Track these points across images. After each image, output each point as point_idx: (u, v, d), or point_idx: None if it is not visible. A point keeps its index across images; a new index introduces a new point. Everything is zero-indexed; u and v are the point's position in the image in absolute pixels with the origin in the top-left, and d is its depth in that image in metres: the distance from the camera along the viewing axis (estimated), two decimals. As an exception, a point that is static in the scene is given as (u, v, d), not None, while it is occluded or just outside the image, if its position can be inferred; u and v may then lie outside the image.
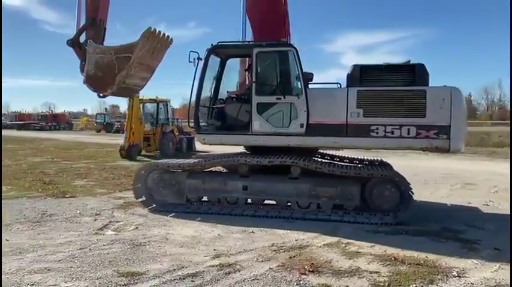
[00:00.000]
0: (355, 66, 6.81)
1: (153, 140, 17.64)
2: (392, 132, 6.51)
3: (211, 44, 7.28)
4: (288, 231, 5.96)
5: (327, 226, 6.24)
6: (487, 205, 8.22)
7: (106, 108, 71.10)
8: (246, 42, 7.97)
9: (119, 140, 19.97)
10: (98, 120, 50.48)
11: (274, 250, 5.07)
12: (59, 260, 4.60)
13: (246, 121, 7.08)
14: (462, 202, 8.38)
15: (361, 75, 6.74)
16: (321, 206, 6.75)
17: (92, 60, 7.11)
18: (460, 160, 18.14)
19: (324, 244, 5.33)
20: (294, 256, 4.84)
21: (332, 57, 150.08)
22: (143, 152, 17.14)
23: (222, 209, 6.96)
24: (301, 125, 6.78)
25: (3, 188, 9.24)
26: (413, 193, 6.69)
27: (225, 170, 8.10)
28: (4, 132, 45.13)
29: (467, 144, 25.40)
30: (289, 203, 6.89)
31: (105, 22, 7.66)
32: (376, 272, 4.36)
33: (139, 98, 16.79)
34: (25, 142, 26.43)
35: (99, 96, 7.46)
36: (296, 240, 5.50)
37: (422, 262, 4.67)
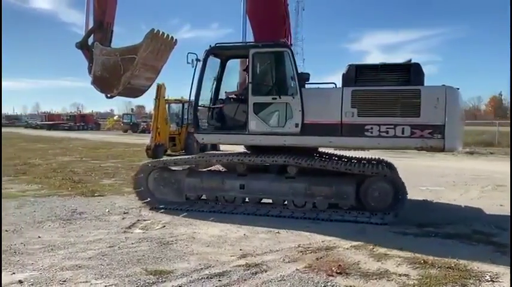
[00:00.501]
0: (350, 66, 6.83)
1: (179, 139, 17.84)
2: (387, 132, 6.52)
3: (210, 46, 7.38)
4: (314, 232, 5.92)
5: (354, 228, 6.17)
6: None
7: (132, 109, 72.45)
8: (243, 43, 7.99)
9: (145, 140, 20.28)
10: (124, 121, 51.41)
11: (301, 251, 5.04)
12: (89, 258, 4.70)
13: (243, 121, 7.16)
14: (494, 204, 8.12)
15: (356, 75, 6.77)
16: (316, 205, 6.80)
17: (99, 62, 7.32)
18: (490, 161, 17.68)
19: (351, 246, 5.27)
20: (321, 257, 4.80)
21: (357, 56, 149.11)
22: (169, 152, 17.35)
23: (222, 208, 7.08)
24: (296, 125, 6.85)
25: (35, 186, 9.52)
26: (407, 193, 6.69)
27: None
28: (34, 132, 46.55)
29: (498, 145, 24.80)
30: (285, 202, 7.01)
31: (112, 25, 7.81)
32: (406, 275, 4.28)
33: (165, 98, 17.02)
34: (54, 142, 27.15)
35: (107, 97, 7.62)
36: (322, 241, 5.45)
37: (453, 265, 4.55)
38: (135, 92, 7.71)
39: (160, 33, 7.05)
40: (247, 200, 7.18)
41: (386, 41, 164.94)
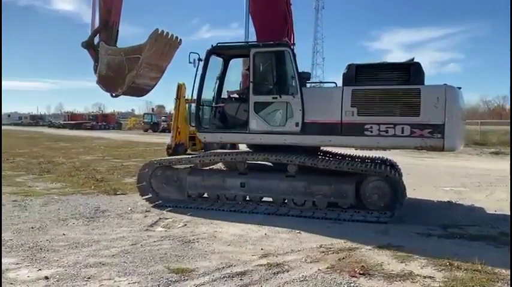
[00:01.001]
0: (350, 65, 6.82)
1: (198, 139, 17.90)
2: (387, 131, 6.51)
3: (211, 45, 7.42)
4: (336, 232, 5.87)
5: (376, 228, 6.09)
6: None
7: (153, 109, 73.32)
8: (245, 43, 7.97)
9: (166, 139, 20.45)
10: (145, 120, 52.00)
11: (323, 251, 5.00)
12: (113, 255, 4.75)
13: (244, 120, 7.20)
14: (521, 206, 7.91)
15: (356, 74, 6.76)
16: (316, 204, 6.83)
17: (104, 61, 7.38)
18: (516, 161, 17.19)
19: (373, 247, 5.19)
20: (343, 258, 4.75)
21: (378, 55, 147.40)
22: (189, 151, 17.45)
23: (222, 206, 7.18)
24: (297, 124, 6.88)
25: (59, 184, 9.71)
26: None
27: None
28: (58, 131, 47.52)
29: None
30: (285, 201, 7.06)
31: (118, 24, 7.83)
32: (430, 277, 4.19)
33: (186, 98, 17.13)
34: (77, 141, 27.64)
35: (112, 96, 7.67)
36: (344, 242, 5.39)
37: (479, 268, 4.43)
38: (140, 91, 7.75)
39: (165, 33, 7.08)
40: (247, 198, 7.25)
41: (407, 39, 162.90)
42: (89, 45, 7.70)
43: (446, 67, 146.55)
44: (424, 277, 4.20)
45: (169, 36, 7.17)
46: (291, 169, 6.95)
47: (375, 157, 8.25)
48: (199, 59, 7.34)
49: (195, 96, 7.51)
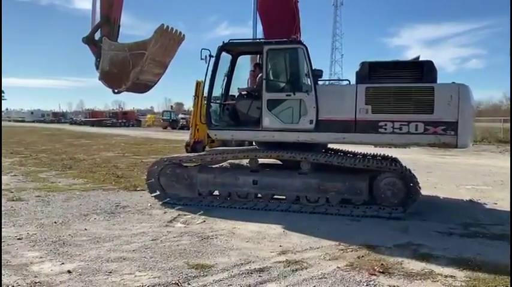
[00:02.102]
0: (363, 63, 6.86)
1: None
2: (401, 129, 6.57)
3: (223, 42, 7.38)
4: (354, 230, 5.84)
5: (396, 226, 6.03)
6: None
7: (172, 106, 73.94)
8: (258, 40, 7.90)
9: (184, 136, 20.60)
10: (164, 117, 52.47)
11: (341, 249, 4.97)
12: (133, 250, 4.82)
13: (257, 117, 7.16)
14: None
15: (369, 72, 6.79)
16: (329, 200, 6.85)
17: (107, 57, 7.23)
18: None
19: (393, 245, 5.14)
20: (362, 256, 4.71)
21: (397, 51, 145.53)
22: (207, 148, 17.54)
23: (233, 204, 7.15)
24: (311, 121, 6.88)
25: (81, 180, 9.88)
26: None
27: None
28: (79, 128, 48.34)
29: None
30: (298, 198, 7.05)
31: (119, 20, 7.70)
32: (452, 277, 4.13)
33: (204, 95, 17.21)
34: (98, 138, 28.07)
35: (114, 92, 7.59)
36: (364, 240, 5.34)
37: (502, 268, 4.36)
38: (143, 87, 7.64)
39: (170, 28, 6.99)
40: (259, 196, 7.26)
41: (428, 35, 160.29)
42: (89, 40, 7.52)
43: (468, 63, 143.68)
44: (445, 276, 4.14)
45: (173, 31, 7.07)
46: (304, 167, 6.97)
47: (378, 153, 8.11)
48: (211, 56, 7.30)
49: (206, 94, 7.51)
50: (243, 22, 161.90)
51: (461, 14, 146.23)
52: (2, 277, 3.90)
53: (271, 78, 7.23)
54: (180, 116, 50.70)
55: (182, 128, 43.74)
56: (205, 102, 7.57)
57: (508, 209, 7.42)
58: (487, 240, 5.47)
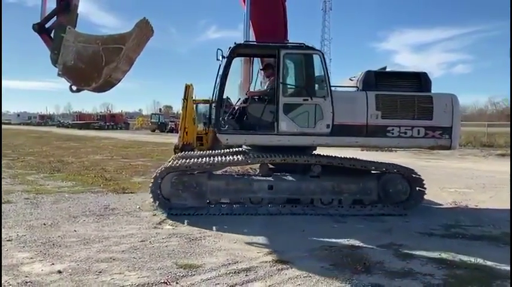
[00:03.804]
0: (369, 72, 7.44)
1: (206, 139, 18.06)
2: (406, 133, 7.24)
3: (235, 43, 7.33)
4: (340, 232, 6.00)
5: (380, 228, 6.22)
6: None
7: (160, 109, 73.84)
8: (273, 43, 7.86)
9: (173, 139, 20.66)
10: (152, 120, 52.39)
11: (326, 249, 5.13)
12: (122, 251, 4.92)
13: (270, 121, 7.20)
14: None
15: (376, 80, 7.35)
16: (342, 202, 7.18)
17: (72, 50, 6.19)
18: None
19: (376, 245, 5.31)
20: (346, 256, 4.87)
21: (385, 56, 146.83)
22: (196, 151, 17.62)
23: (246, 210, 6.99)
24: (328, 126, 7.08)
25: (69, 183, 9.91)
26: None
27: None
28: (66, 131, 48.00)
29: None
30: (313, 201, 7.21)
31: (77, 7, 6.67)
32: (430, 275, 4.31)
33: (193, 99, 17.31)
34: (86, 141, 27.97)
35: (72, 91, 6.41)
36: (348, 240, 5.52)
37: (479, 266, 4.56)
38: (109, 86, 6.69)
39: (149, 23, 6.25)
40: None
41: (415, 40, 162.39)
42: (42, 29, 6.29)
43: (454, 68, 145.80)
44: (424, 275, 4.32)
45: (150, 26, 6.32)
46: (316, 169, 7.16)
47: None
48: (222, 56, 7.24)
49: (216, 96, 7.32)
50: (232, 26, 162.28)
51: (449, 20, 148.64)
52: (-7, 277, 3.97)
53: (288, 82, 7.30)
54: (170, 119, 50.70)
55: (171, 131, 43.71)
56: (214, 106, 7.32)
57: (489, 211, 7.68)
58: (466, 240, 5.68)
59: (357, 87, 7.50)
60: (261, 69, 8.40)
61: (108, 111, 75.14)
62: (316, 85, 7.32)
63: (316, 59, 7.18)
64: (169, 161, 7.65)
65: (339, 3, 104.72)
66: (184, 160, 7.44)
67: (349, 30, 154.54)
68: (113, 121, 60.12)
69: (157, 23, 7.01)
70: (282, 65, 7.09)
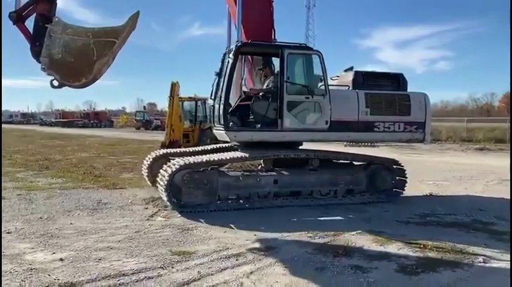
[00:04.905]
0: (357, 72, 8.19)
1: (192, 136, 18.34)
2: (389, 128, 8.02)
3: (241, 41, 7.63)
4: (324, 221, 6.41)
5: (360, 217, 6.64)
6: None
7: (144, 106, 73.38)
8: (277, 43, 8.14)
9: (158, 137, 20.85)
10: (137, 118, 52.17)
11: (310, 236, 5.50)
12: (119, 241, 5.20)
13: (273, 118, 7.49)
14: (496, 197, 8.51)
15: (363, 80, 8.10)
16: (337, 193, 7.75)
17: (59, 42, 5.76)
18: (499, 157, 17.89)
19: (357, 233, 5.70)
20: (329, 242, 5.26)
21: (368, 52, 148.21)
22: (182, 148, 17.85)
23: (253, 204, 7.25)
24: (326, 122, 7.52)
25: (59, 180, 10.10)
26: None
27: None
28: (50, 129, 47.53)
29: (509, 141, 24.96)
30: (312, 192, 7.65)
31: None
32: (405, 257, 4.72)
33: (179, 96, 17.53)
34: (71, 139, 27.88)
35: (53, 86, 5.85)
36: (331, 229, 5.89)
37: (450, 249, 4.98)
38: (93, 81, 6.19)
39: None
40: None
41: (398, 36, 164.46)
42: (20, 18, 5.68)
43: (436, 65, 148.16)
44: (399, 257, 4.73)
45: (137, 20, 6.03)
46: (315, 163, 7.69)
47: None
48: (229, 54, 7.46)
49: (217, 93, 7.71)
50: (216, 22, 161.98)
51: (429, 17, 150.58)
52: (-1, 265, 4.22)
53: (292, 81, 7.51)
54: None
55: (156, 128, 43.69)
56: (222, 103, 7.41)
57: (463, 201, 8.16)
58: (439, 227, 6.13)
59: (348, 86, 8.09)
60: (259, 69, 8.64)
61: (92, 109, 74.39)
62: (316, 84, 7.71)
63: (316, 59, 7.57)
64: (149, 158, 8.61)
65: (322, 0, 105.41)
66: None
67: (333, 27, 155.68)
68: (97, 119, 59.61)
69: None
70: (285, 64, 7.38)
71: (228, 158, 7.49)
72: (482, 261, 4.61)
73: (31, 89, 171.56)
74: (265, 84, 8.13)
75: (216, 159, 7.23)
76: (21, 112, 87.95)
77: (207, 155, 7.60)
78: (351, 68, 8.36)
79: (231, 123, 7.47)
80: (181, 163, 6.97)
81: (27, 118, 78.28)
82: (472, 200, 8.19)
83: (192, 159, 7.21)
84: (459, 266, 4.45)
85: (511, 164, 10.01)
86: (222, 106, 7.40)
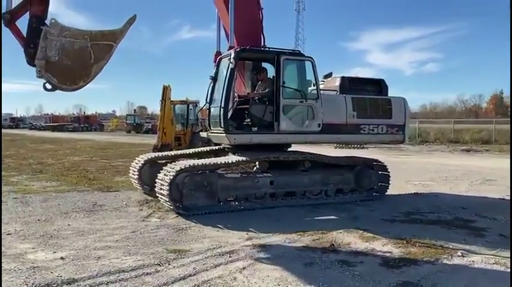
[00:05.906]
0: (343, 77, 8.69)
1: (184, 139, 18.56)
2: (373, 130, 8.55)
3: (240, 47, 7.88)
4: (312, 219, 6.69)
5: (348, 215, 6.93)
6: (504, 199, 8.60)
7: (135, 110, 73.32)
8: (274, 49, 8.41)
9: (149, 140, 21.00)
10: (128, 121, 52.20)
11: (299, 234, 5.76)
12: (116, 240, 5.42)
13: (269, 121, 7.78)
14: (479, 196, 8.87)
15: (349, 85, 8.60)
16: (328, 192, 8.10)
17: (56, 45, 5.67)
18: (484, 158, 18.36)
19: (344, 230, 5.98)
20: (317, 239, 5.52)
21: (357, 55, 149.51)
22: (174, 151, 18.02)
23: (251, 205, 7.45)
24: (319, 125, 7.90)
25: (54, 183, 10.25)
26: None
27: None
28: (40, 133, 47.34)
29: (495, 142, 25.54)
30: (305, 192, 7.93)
31: None
32: (389, 252, 5.01)
33: (171, 100, 17.72)
34: (62, 143, 27.91)
35: (46, 89, 5.74)
36: (319, 227, 6.16)
37: (431, 245, 5.27)
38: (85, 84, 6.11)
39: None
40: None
41: (387, 39, 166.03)
42: (13, 19, 5.48)
43: (424, 67, 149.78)
44: (384, 252, 5.01)
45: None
46: (306, 164, 7.96)
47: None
48: (229, 60, 7.67)
49: (212, 97, 8.15)
50: (205, 25, 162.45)
51: (419, 19, 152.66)
52: (2, 264, 4.41)
53: (287, 85, 7.76)
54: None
55: (147, 132, 43.77)
56: (222, 107, 7.55)
57: (447, 200, 8.48)
58: (423, 225, 6.43)
59: (336, 91, 8.50)
60: (254, 74, 8.82)
61: (82, 113, 74.17)
62: (309, 88, 8.04)
63: (308, 64, 7.93)
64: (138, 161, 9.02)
65: (311, 3, 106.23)
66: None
67: (322, 30, 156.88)
68: (87, 123, 59.53)
69: (124, 20, 6.56)
70: (281, 69, 7.68)
71: (234, 161, 7.62)
72: (460, 255, 4.90)
73: (19, 93, 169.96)
74: (257, 88, 8.37)
75: (222, 162, 7.58)
76: (10, 116, 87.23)
77: (214, 159, 7.87)
78: (330, 74, 8.81)
79: (230, 127, 7.66)
80: (186, 164, 7.09)
81: (16, 122, 77.60)
82: (455, 199, 8.52)
83: (195, 162, 7.35)
84: (439, 260, 4.73)
85: (511, 164, 10.41)
86: (222, 110, 7.56)
